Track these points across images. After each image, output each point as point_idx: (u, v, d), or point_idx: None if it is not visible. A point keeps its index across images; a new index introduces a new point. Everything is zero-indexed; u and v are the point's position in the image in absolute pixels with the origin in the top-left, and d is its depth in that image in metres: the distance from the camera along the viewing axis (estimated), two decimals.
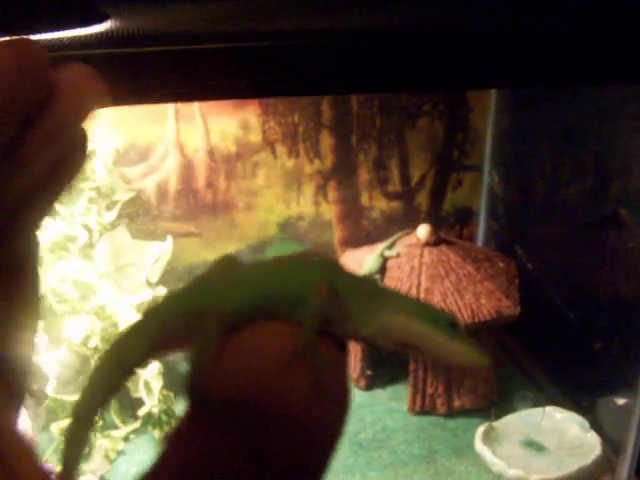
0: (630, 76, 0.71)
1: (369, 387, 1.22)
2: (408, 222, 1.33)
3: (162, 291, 1.10)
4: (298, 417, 0.19)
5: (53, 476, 0.21)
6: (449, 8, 0.73)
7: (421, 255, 1.19)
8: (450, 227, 1.41)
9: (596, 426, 1.06)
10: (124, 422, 1.09)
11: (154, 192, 1.23)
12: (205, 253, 1.27)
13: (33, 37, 0.54)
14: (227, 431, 0.19)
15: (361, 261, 1.21)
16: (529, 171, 1.31)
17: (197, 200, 1.26)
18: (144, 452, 1.07)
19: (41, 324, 0.99)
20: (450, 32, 0.65)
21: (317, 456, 0.20)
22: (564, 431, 1.08)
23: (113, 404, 1.08)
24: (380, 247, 1.22)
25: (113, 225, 1.10)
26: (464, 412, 1.16)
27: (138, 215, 1.19)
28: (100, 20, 0.58)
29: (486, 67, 0.66)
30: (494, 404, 1.16)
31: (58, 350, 1.01)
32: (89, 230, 1.07)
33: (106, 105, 0.25)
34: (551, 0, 0.75)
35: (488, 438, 1.05)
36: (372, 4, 0.73)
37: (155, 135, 1.20)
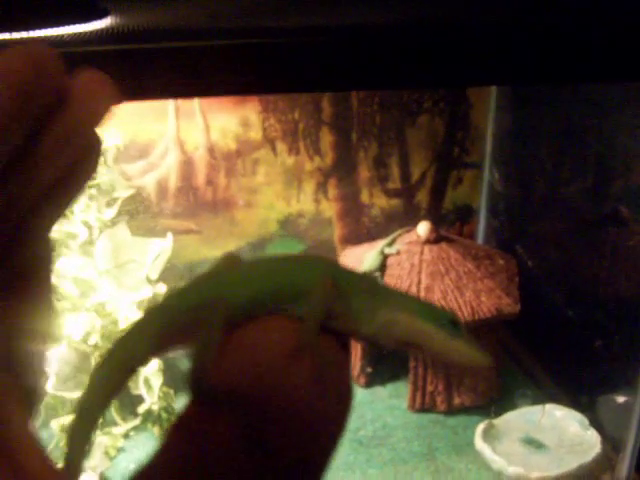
0: (631, 74, 0.71)
1: (369, 384, 1.22)
2: (408, 219, 1.33)
3: (162, 288, 1.09)
4: (300, 412, 0.19)
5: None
6: (449, 4, 0.72)
7: (421, 252, 1.19)
8: (450, 224, 1.41)
9: (596, 424, 1.06)
10: (124, 419, 1.09)
11: (154, 189, 1.23)
12: (205, 250, 1.27)
13: (33, 33, 0.54)
14: (229, 424, 0.19)
15: (361, 258, 1.21)
16: (529, 169, 1.31)
17: (197, 197, 1.26)
18: (144, 449, 1.07)
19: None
20: (450, 29, 0.64)
21: (318, 452, 0.20)
22: (564, 429, 1.08)
23: (113, 402, 1.08)
24: (380, 244, 1.22)
25: (113, 222, 1.09)
26: (464, 410, 1.16)
27: (138, 212, 1.19)
28: (100, 16, 0.58)
29: (486, 64, 0.66)
30: (494, 402, 1.16)
31: (58, 347, 1.01)
32: (89, 227, 1.07)
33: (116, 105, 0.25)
34: None
35: (488, 436, 1.05)
36: (372, 1, 0.73)
37: (155, 132, 1.20)
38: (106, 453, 1.04)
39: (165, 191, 1.24)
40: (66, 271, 1.04)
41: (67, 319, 1.03)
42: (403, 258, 1.19)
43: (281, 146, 1.27)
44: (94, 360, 1.03)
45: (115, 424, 1.08)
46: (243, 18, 0.62)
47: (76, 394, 1.01)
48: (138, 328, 0.25)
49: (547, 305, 1.22)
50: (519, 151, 1.34)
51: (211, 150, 1.24)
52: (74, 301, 1.04)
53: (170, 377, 1.07)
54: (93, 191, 1.06)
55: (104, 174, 1.07)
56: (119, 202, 1.10)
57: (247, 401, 0.19)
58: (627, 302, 1.05)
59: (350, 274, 0.26)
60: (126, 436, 1.09)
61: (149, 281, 1.10)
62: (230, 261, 0.26)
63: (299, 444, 0.19)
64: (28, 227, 0.24)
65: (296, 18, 0.64)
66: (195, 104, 1.20)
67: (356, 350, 1.20)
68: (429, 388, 1.15)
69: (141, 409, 1.07)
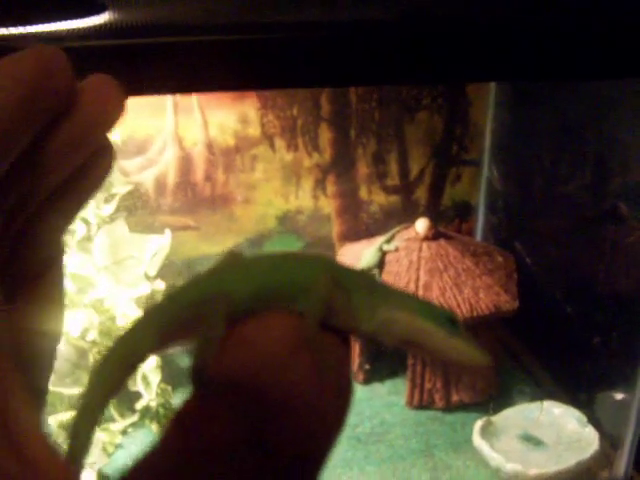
0: (630, 70, 0.71)
1: (367, 381, 1.22)
2: (407, 216, 1.33)
3: (160, 285, 1.09)
4: (300, 406, 0.19)
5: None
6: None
7: (420, 249, 1.19)
8: (449, 221, 1.41)
9: (594, 421, 1.06)
10: (122, 416, 1.09)
11: (152, 185, 1.23)
12: (203, 247, 1.27)
13: (30, 29, 0.54)
14: (229, 418, 0.19)
15: (359, 255, 1.21)
16: (528, 166, 1.31)
17: (195, 193, 1.26)
18: (142, 445, 1.07)
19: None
20: (449, 24, 0.64)
21: (317, 447, 0.20)
22: (562, 426, 1.08)
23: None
24: (379, 241, 1.22)
25: (111, 218, 1.09)
26: (462, 406, 1.16)
27: (136, 208, 1.19)
28: (98, 11, 0.58)
29: (485, 60, 0.66)
30: (492, 399, 1.16)
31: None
32: (87, 223, 1.06)
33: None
34: None
35: (486, 432, 1.05)
36: None
37: (153, 128, 1.20)
38: (104, 449, 1.04)
39: (163, 187, 1.23)
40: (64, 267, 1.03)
41: (65, 315, 1.03)
42: (401, 255, 1.19)
43: (280, 142, 1.27)
44: (92, 356, 1.03)
45: (113, 420, 1.08)
46: (241, 13, 0.62)
47: (74, 390, 1.01)
48: (140, 324, 0.25)
49: (546, 302, 1.22)
50: (518, 148, 1.34)
51: (209, 146, 1.23)
52: (72, 297, 1.04)
53: (168, 374, 1.07)
54: None
55: None
56: (117, 198, 1.10)
57: (247, 395, 0.19)
58: (625, 299, 1.05)
59: (350, 272, 0.26)
60: (124, 432, 1.09)
61: (147, 277, 1.10)
62: (232, 258, 0.27)
63: (298, 438, 0.19)
64: (37, 229, 0.25)
65: (294, 13, 0.64)
66: (193, 100, 1.19)
67: (354, 347, 1.20)
68: (427, 385, 1.15)
69: (139, 405, 1.07)
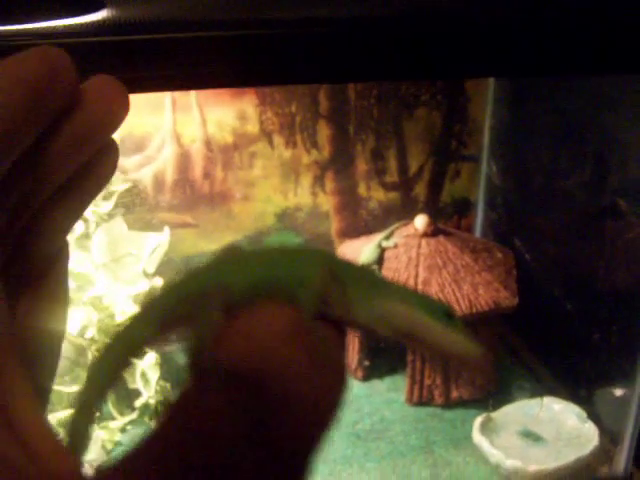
0: (629, 66, 0.71)
1: (367, 378, 1.22)
2: (406, 213, 1.32)
3: (159, 282, 1.09)
4: (295, 391, 0.20)
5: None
6: None
7: (419, 246, 1.19)
8: (448, 218, 1.41)
9: (594, 417, 1.06)
10: (121, 413, 1.09)
11: (151, 183, 1.22)
12: (202, 244, 1.27)
13: (28, 26, 0.53)
14: (226, 401, 0.19)
15: (358, 252, 1.21)
16: (527, 162, 1.31)
17: (194, 191, 1.25)
18: None
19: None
20: (447, 19, 0.64)
21: (314, 437, 0.20)
22: (562, 422, 1.08)
23: (110, 395, 1.08)
24: (377, 238, 1.22)
25: (110, 216, 1.09)
26: (462, 403, 1.16)
27: (135, 206, 1.19)
28: (96, 8, 0.58)
29: (484, 55, 0.65)
30: (492, 395, 1.16)
31: None
32: (85, 221, 1.06)
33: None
34: None
35: (486, 429, 1.05)
36: None
37: (152, 125, 1.19)
38: (103, 447, 1.04)
39: (162, 184, 1.23)
40: None
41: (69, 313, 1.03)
42: (400, 251, 1.19)
43: (278, 139, 1.27)
44: (91, 354, 1.03)
45: (112, 418, 1.08)
46: (239, 9, 0.62)
47: (73, 388, 1.01)
48: (140, 315, 0.25)
49: (545, 298, 1.22)
50: (517, 144, 1.34)
51: (208, 143, 1.23)
52: (70, 295, 1.04)
53: (167, 371, 1.07)
54: None
55: None
56: (115, 196, 1.10)
57: (246, 388, 0.19)
58: (625, 295, 1.05)
59: (348, 265, 0.27)
60: (123, 430, 1.09)
61: (146, 275, 1.10)
62: (231, 252, 0.27)
63: (297, 430, 0.19)
64: (41, 227, 0.25)
65: (293, 9, 0.63)
66: (192, 97, 1.19)
67: (354, 344, 1.20)
68: (427, 381, 1.15)
69: (138, 403, 1.07)
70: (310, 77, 0.66)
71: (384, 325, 0.25)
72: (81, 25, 0.55)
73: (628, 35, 0.67)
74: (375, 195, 1.36)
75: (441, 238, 1.20)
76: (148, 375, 1.05)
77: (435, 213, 1.34)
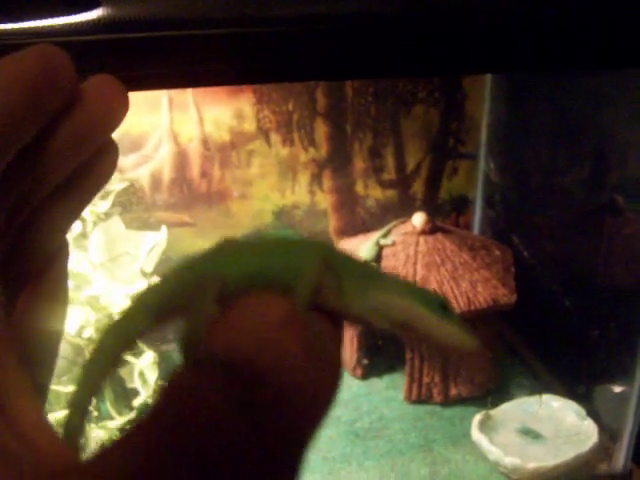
0: (627, 62, 0.71)
1: (365, 376, 1.22)
2: (404, 210, 1.32)
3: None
4: (288, 380, 0.20)
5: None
6: None
7: (417, 243, 1.18)
8: (446, 215, 1.41)
9: (593, 414, 1.06)
10: (119, 413, 1.08)
11: (148, 182, 1.22)
12: (200, 243, 1.27)
13: (24, 24, 0.53)
14: (220, 388, 0.19)
15: (356, 250, 1.21)
16: (525, 159, 1.31)
17: (191, 189, 1.25)
18: None
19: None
20: (445, 16, 0.64)
21: (308, 426, 0.20)
22: (561, 419, 1.08)
23: (108, 395, 1.08)
24: (375, 236, 1.22)
25: (107, 215, 1.09)
26: (460, 401, 1.16)
27: (132, 205, 1.19)
28: (92, 7, 0.58)
29: (481, 51, 0.65)
30: (491, 392, 1.16)
31: None
32: (83, 220, 1.06)
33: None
34: None
35: (485, 426, 1.05)
36: None
37: (149, 124, 1.19)
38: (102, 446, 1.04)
39: (159, 183, 1.23)
40: None
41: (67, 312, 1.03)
42: (398, 249, 1.19)
43: (275, 137, 1.26)
44: (88, 354, 1.03)
45: (111, 418, 1.08)
46: (236, 7, 0.62)
47: (70, 388, 1.00)
48: (136, 305, 0.25)
49: (543, 295, 1.22)
50: (515, 141, 1.34)
51: (205, 142, 1.23)
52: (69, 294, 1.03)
53: (165, 370, 1.07)
54: None
55: None
56: (113, 195, 1.10)
57: (238, 370, 0.19)
58: (623, 291, 1.05)
59: (344, 256, 0.27)
60: (122, 430, 1.09)
61: (143, 274, 1.09)
62: (226, 243, 0.27)
63: (290, 416, 0.19)
64: (40, 226, 0.25)
65: (290, 6, 0.63)
66: (189, 96, 1.19)
67: (352, 342, 1.20)
68: (425, 379, 1.15)
69: (136, 402, 1.07)
70: (307, 74, 0.66)
71: (379, 317, 0.25)
72: (77, 23, 0.54)
73: (626, 29, 0.67)
74: (373, 193, 1.36)
75: (439, 236, 1.20)
76: (146, 375, 1.05)
77: (433, 211, 1.34)
